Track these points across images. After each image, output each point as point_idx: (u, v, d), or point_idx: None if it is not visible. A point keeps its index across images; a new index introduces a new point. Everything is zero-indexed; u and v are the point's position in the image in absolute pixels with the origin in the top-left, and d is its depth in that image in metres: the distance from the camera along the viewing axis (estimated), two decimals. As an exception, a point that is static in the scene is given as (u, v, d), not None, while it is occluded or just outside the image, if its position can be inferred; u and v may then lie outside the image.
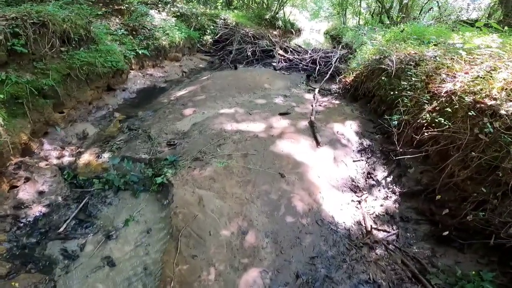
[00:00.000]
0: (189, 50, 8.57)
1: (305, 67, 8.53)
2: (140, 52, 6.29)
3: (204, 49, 9.48)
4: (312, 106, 5.27)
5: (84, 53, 4.44)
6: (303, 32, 23.34)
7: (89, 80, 4.59)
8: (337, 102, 5.60)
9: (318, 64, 8.26)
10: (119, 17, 6.93)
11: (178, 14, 9.18)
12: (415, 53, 4.94)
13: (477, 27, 5.53)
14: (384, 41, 6.19)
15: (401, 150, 3.92)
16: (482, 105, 3.34)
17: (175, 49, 7.58)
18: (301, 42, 20.86)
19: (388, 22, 15.44)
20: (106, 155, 4.03)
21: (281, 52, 9.27)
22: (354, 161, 4.10)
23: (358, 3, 20.07)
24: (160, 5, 9.20)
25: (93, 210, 3.27)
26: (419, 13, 13.85)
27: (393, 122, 4.09)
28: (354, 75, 5.65)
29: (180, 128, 4.46)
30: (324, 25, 27.91)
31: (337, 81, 6.67)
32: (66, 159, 3.99)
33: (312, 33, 26.86)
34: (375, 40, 6.69)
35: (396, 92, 4.41)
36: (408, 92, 4.27)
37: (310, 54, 9.22)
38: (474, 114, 3.21)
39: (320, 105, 5.42)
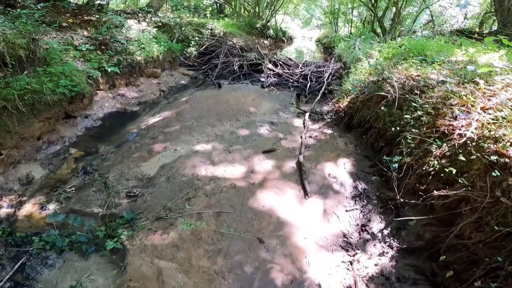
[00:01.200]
0: (170, 64, 7.72)
1: (295, 83, 7.82)
2: (109, 70, 5.46)
3: (187, 62, 8.64)
4: (301, 138, 4.54)
5: (27, 79, 3.59)
6: (295, 40, 22.76)
7: (35, 111, 3.75)
8: (329, 132, 4.89)
9: (309, 80, 7.55)
10: (88, 29, 6.08)
11: (160, 24, 8.35)
12: (418, 75, 4.27)
13: (485, 43, 4.85)
14: (382, 59, 5.51)
15: (401, 200, 3.24)
16: (507, 160, 2.67)
17: (153, 64, 6.74)
18: (292, 50, 20.28)
19: (380, 31, 14.90)
20: (51, 206, 3.25)
21: (270, 66, 8.52)
22: (347, 210, 3.40)
23: (350, 11, 19.54)
24: (140, 15, 8.36)
25: (31, 272, 2.63)
26: (413, 23, 13.27)
27: (393, 165, 3.37)
28: (349, 99, 4.93)
29: (145, 172, 3.67)
30: (316, 32, 27.51)
31: (330, 104, 5.96)
32: (4, 211, 3.21)
33: (304, 41, 26.36)
34: (371, 57, 6.01)
35: (398, 128, 3.71)
36: (412, 128, 3.58)
37: (301, 68, 8.51)
38: (498, 175, 2.53)
39: (311, 136, 4.70)
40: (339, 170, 3.93)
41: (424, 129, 3.43)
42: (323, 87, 6.76)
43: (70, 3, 6.11)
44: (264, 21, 16.01)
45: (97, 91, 5.42)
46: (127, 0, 11.85)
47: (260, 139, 4.43)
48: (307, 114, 5.44)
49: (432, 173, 3.13)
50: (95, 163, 3.90)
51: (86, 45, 5.34)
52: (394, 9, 13.92)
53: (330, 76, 7.66)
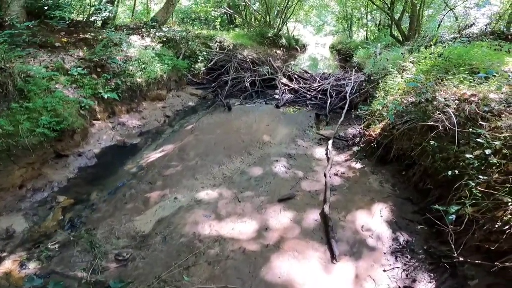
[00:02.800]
0: (177, 84, 7.12)
1: (313, 99, 7.07)
2: (106, 96, 4.92)
3: (195, 80, 8.04)
4: (325, 177, 3.79)
5: (-3, 120, 3.04)
6: (308, 48, 22.16)
7: (13, 157, 3.21)
8: (358, 166, 4.10)
9: (329, 96, 6.79)
10: (84, 48, 5.58)
11: (165, 39, 7.80)
12: (473, 95, 3.44)
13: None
14: (420, 72, 4.70)
15: (460, 258, 2.51)
16: None
17: (156, 86, 6.17)
18: (307, 58, 19.61)
19: (397, 35, 13.91)
20: (32, 265, 2.76)
21: (284, 80, 7.82)
22: (385, 270, 2.68)
23: (364, 16, 18.67)
24: (144, 30, 7.85)
25: None
26: (438, 27, 12.22)
27: (450, 218, 2.58)
28: (381, 126, 4.14)
29: (139, 228, 3.02)
30: (329, 39, 26.91)
31: (356, 127, 5.16)
32: (-19, 269, 2.73)
33: (317, 48, 25.71)
34: (404, 70, 5.19)
35: (455, 171, 2.88)
36: (475, 171, 2.78)
37: (319, 82, 7.75)
38: None
39: (337, 174, 3.93)
40: (375, 220, 3.17)
41: (496, 175, 2.62)
42: (346, 106, 5.95)
43: (60, 22, 5.56)
44: (275, 30, 15.41)
45: (94, 121, 4.88)
46: (134, 13, 11.50)
47: (276, 181, 3.70)
48: (330, 142, 4.66)
49: (507, 231, 2.39)
50: (84, 214, 3.30)
51: (79, 68, 4.80)
52: (411, 12, 12.96)
53: (353, 91, 6.85)
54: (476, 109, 3.15)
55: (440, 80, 4.05)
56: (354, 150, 4.49)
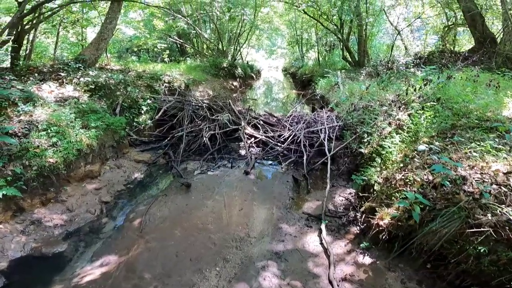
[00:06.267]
0: (115, 150, 5.75)
1: (285, 151, 6.41)
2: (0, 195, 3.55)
3: (140, 138, 6.76)
4: (332, 285, 3.03)
5: None
6: (262, 72, 22.33)
7: None
8: (368, 260, 3.41)
9: (304, 148, 6.17)
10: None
11: (93, 86, 6.33)
12: (508, 173, 3.08)
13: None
14: (421, 127, 4.34)
15: None
16: None
17: (84, 160, 4.84)
18: (261, 83, 19.49)
19: (348, 56, 14.38)
20: None
21: (249, 130, 7.05)
22: None
23: (314, 38, 19.46)
24: (63, 74, 6.37)
25: None
26: (391, 51, 12.85)
27: None
28: (392, 212, 3.49)
29: None
30: (281, 61, 27.90)
31: (349, 203, 4.51)
32: None
33: (271, 71, 26.23)
34: (399, 125, 4.79)
35: None
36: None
37: (288, 128, 7.14)
38: None
39: (345, 279, 3.18)
40: None
41: None
42: (328, 169, 5.28)
43: None
44: (230, 59, 14.93)
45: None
46: (56, 49, 9.98)
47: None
48: (323, 228, 3.90)
49: None
50: None
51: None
52: (358, 32, 13.52)
53: (331, 138, 6.34)
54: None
55: (455, 145, 3.67)
56: (351, 230, 3.86)
